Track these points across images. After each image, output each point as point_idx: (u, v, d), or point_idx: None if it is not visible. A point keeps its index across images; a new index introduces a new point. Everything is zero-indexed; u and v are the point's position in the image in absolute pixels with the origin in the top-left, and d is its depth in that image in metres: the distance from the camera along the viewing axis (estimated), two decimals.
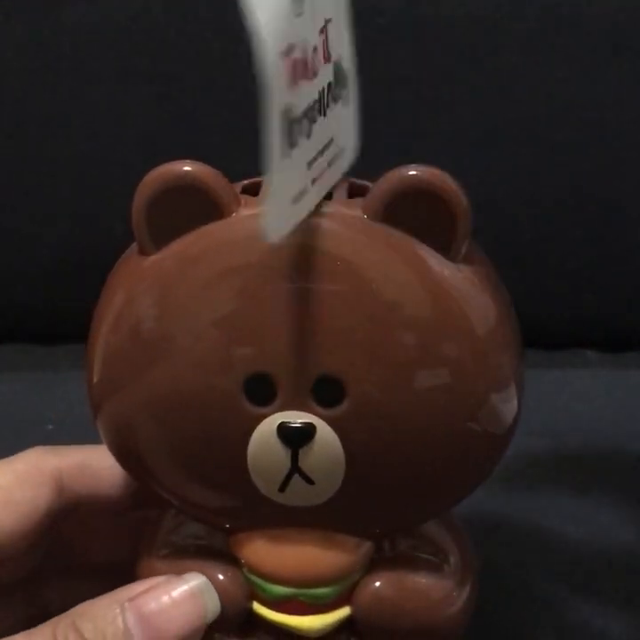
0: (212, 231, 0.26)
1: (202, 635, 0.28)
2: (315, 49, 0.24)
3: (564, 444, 0.47)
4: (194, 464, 0.28)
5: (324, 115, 0.25)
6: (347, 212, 0.26)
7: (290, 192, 0.24)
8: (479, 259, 0.27)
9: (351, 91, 0.27)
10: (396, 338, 0.26)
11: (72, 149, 0.55)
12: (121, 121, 0.54)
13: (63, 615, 0.28)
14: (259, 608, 0.29)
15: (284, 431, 0.26)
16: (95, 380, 0.28)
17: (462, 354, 0.26)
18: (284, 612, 0.29)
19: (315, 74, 0.24)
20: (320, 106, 0.25)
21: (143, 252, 0.27)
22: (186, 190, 0.26)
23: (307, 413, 0.26)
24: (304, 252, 0.26)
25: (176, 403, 0.27)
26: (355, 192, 0.27)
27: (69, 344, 0.54)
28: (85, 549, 0.34)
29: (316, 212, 0.26)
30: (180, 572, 0.29)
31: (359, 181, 0.28)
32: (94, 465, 0.32)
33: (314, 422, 0.26)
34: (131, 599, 0.27)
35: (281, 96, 0.22)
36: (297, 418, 0.26)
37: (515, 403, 0.27)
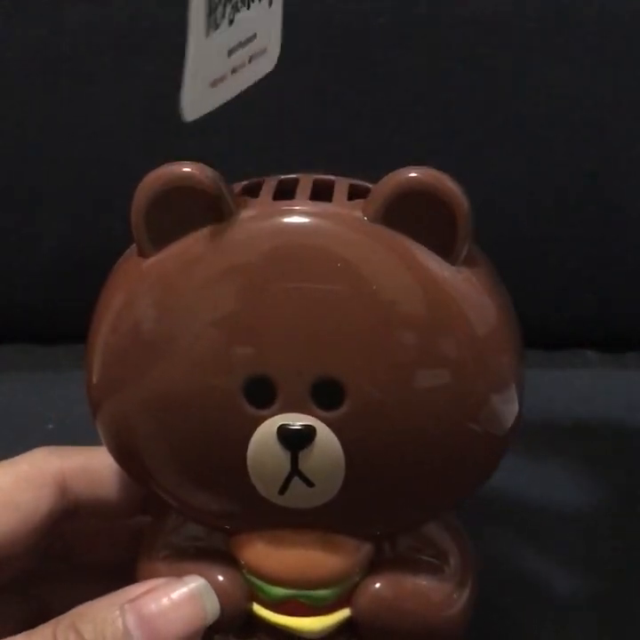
0: (212, 232, 0.26)
1: (201, 636, 0.28)
2: None
3: (564, 444, 0.47)
4: (193, 466, 0.28)
5: (248, 8, 0.26)
6: (347, 213, 0.26)
7: (209, 74, 0.25)
8: (479, 260, 0.27)
9: None
10: (396, 339, 0.26)
11: (72, 149, 0.54)
12: (121, 121, 0.54)
13: (63, 616, 0.28)
14: (259, 609, 0.30)
15: (283, 433, 0.26)
16: (94, 380, 0.28)
17: (462, 355, 0.26)
18: (283, 614, 0.29)
19: None
20: None
21: (142, 254, 0.27)
22: (185, 191, 0.26)
23: (306, 415, 0.26)
24: (304, 252, 0.26)
25: (175, 404, 0.27)
26: (355, 193, 0.27)
27: (69, 344, 0.54)
28: (86, 550, 0.34)
29: (317, 212, 0.26)
30: (180, 574, 0.29)
31: (360, 182, 0.28)
32: (96, 467, 0.32)
33: (314, 424, 0.26)
34: (130, 601, 0.27)
35: None
36: (297, 420, 0.26)
37: (515, 403, 0.27)
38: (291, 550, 0.29)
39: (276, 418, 0.26)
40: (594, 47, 0.52)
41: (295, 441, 0.26)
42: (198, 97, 0.24)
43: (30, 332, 0.58)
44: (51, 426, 0.49)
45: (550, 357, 0.55)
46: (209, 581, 0.29)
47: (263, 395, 0.26)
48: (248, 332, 0.26)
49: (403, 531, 0.29)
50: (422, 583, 0.29)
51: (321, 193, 0.27)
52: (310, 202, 0.27)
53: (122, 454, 0.29)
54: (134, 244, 0.27)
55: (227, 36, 0.25)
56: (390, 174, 0.26)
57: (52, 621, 0.28)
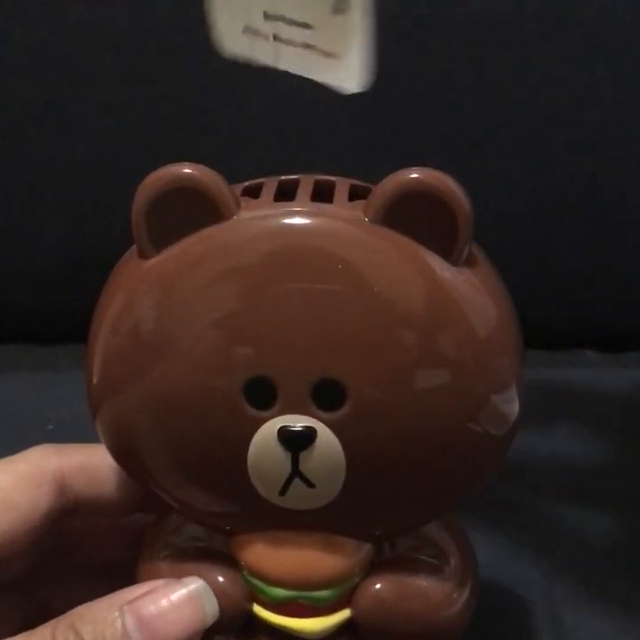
0: (213, 233, 0.26)
1: (200, 638, 0.28)
2: None
3: (564, 444, 0.47)
4: (193, 466, 0.28)
5: None
6: (348, 214, 0.26)
7: (239, 17, 0.26)
8: (480, 260, 0.27)
9: (357, 7, 0.26)
10: (397, 340, 0.26)
11: (72, 149, 0.54)
12: (121, 121, 0.54)
13: (62, 617, 0.28)
14: (259, 610, 0.30)
15: (284, 435, 0.26)
16: (95, 381, 0.28)
17: (463, 355, 0.26)
18: (284, 615, 0.29)
19: None
20: None
21: (143, 255, 0.27)
22: (186, 192, 0.26)
23: (307, 417, 0.26)
24: (305, 253, 0.26)
25: (175, 405, 0.27)
26: (356, 194, 0.27)
27: (69, 344, 0.54)
28: (86, 549, 0.34)
29: (318, 213, 0.26)
30: (180, 574, 0.29)
31: (361, 183, 0.28)
32: (96, 464, 0.32)
33: (314, 426, 0.26)
34: (130, 602, 0.27)
35: None
36: (297, 421, 0.26)
37: (516, 404, 0.27)
38: (291, 551, 0.29)
39: (277, 419, 0.26)
40: (594, 47, 0.52)
41: (296, 442, 0.26)
42: (231, 35, 0.25)
43: (30, 332, 0.58)
44: (50, 426, 0.49)
45: (550, 357, 0.55)
46: (209, 582, 0.29)
47: (264, 396, 0.26)
48: (249, 333, 0.26)
49: (403, 531, 0.29)
50: (422, 583, 0.29)
51: (322, 194, 0.27)
52: (311, 203, 0.27)
53: (122, 455, 0.29)
54: (134, 245, 0.27)
55: None
56: (391, 175, 0.26)
57: (52, 622, 0.28)
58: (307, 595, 0.29)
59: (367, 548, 0.29)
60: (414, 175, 0.25)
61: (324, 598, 0.29)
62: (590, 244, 0.55)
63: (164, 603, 0.28)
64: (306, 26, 0.26)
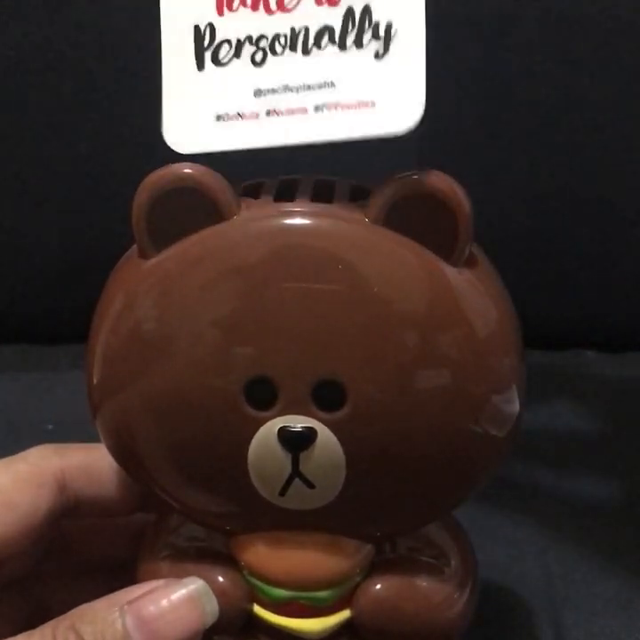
0: (213, 233, 0.26)
1: (200, 638, 0.28)
2: None
3: (564, 444, 0.47)
4: (193, 467, 0.28)
5: (306, 53, 0.26)
6: (348, 214, 0.26)
7: (209, 108, 0.26)
8: (481, 261, 0.27)
9: (397, 47, 0.26)
10: (397, 340, 0.26)
11: (72, 150, 0.54)
12: (121, 121, 0.54)
13: (63, 617, 0.28)
14: (259, 611, 0.30)
15: (284, 435, 0.26)
16: (95, 381, 0.28)
17: (463, 356, 0.26)
18: (284, 615, 0.29)
19: (286, 10, 0.26)
20: (291, 42, 0.26)
21: (143, 255, 0.27)
22: (186, 192, 0.26)
23: (307, 417, 0.26)
24: (305, 253, 0.26)
25: (176, 405, 0.27)
26: (357, 195, 0.27)
27: (69, 344, 0.54)
28: (86, 549, 0.34)
29: (318, 213, 0.26)
30: (180, 574, 0.29)
31: (361, 184, 0.28)
32: (96, 464, 0.32)
33: (314, 426, 0.26)
34: (130, 602, 0.27)
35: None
36: (297, 422, 0.26)
37: (516, 404, 0.27)
38: (291, 552, 0.29)
39: (277, 419, 0.26)
40: (594, 47, 0.52)
41: (296, 443, 0.26)
42: (197, 129, 0.25)
43: (30, 332, 0.58)
44: (50, 426, 0.49)
45: (550, 357, 0.55)
46: (209, 582, 0.29)
47: (264, 396, 0.26)
48: (249, 334, 0.26)
49: (403, 532, 0.29)
50: (423, 584, 0.29)
51: (322, 194, 0.27)
52: (311, 203, 0.27)
53: (122, 455, 0.29)
54: (135, 245, 0.27)
55: (247, 75, 0.26)
56: (392, 176, 0.26)
57: (52, 622, 0.28)
58: (307, 595, 0.29)
59: (367, 548, 0.29)
60: (415, 176, 0.25)
61: (324, 598, 0.29)
62: (590, 244, 0.55)
63: (164, 603, 0.28)
64: (323, 85, 0.26)
